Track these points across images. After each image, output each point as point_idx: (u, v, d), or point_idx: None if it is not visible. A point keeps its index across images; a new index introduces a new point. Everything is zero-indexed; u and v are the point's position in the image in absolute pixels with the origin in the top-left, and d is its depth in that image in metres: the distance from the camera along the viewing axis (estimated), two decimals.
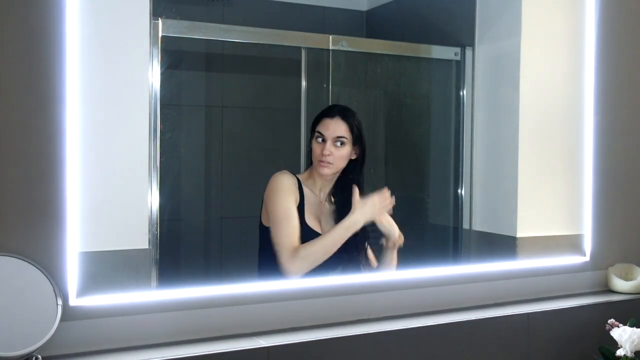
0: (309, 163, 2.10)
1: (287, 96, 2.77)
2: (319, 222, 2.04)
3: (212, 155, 2.75)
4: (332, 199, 2.08)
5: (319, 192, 2.06)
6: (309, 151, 2.09)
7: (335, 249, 1.92)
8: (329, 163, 1.99)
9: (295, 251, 1.88)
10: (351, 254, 2.01)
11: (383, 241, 2.06)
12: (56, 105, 1.48)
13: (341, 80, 2.68)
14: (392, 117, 2.89)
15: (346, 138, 2.00)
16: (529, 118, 2.21)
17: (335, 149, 1.99)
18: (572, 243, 2.27)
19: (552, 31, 2.23)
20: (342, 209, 2.04)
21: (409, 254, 2.73)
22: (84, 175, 1.52)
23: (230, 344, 1.61)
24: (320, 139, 2.00)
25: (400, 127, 2.90)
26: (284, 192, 1.95)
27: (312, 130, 2.05)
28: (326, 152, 1.98)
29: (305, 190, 2.01)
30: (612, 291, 2.28)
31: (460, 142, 2.51)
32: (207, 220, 2.74)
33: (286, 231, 1.91)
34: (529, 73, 2.20)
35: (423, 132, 2.83)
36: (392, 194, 2.08)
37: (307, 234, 1.96)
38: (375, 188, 2.89)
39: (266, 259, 1.97)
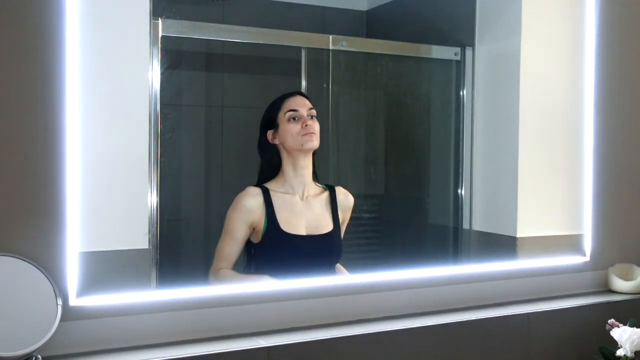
0: (273, 172, 1.99)
1: None
2: (304, 222, 1.98)
3: (212, 155, 2.75)
4: (320, 190, 2.04)
5: (298, 190, 1.99)
6: (273, 154, 1.98)
7: None
8: (313, 133, 1.95)
9: (218, 270, 1.91)
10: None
11: None
12: (56, 105, 1.48)
13: (341, 80, 2.68)
14: (392, 117, 2.89)
15: (314, 111, 2.00)
16: (529, 118, 2.21)
17: (312, 121, 1.97)
18: (572, 243, 2.27)
19: (552, 31, 2.23)
20: (332, 192, 2.04)
21: (409, 254, 2.73)
22: (84, 175, 1.52)
23: (230, 344, 1.61)
24: (294, 118, 1.96)
25: (400, 127, 2.90)
26: (237, 214, 1.92)
27: (275, 121, 1.98)
28: (308, 122, 1.95)
29: (277, 198, 1.95)
30: (612, 291, 2.28)
31: (460, 142, 2.51)
32: (207, 220, 2.73)
33: (224, 248, 1.92)
34: (529, 73, 2.20)
35: (423, 132, 2.83)
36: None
37: (287, 240, 1.93)
38: (374, 189, 2.89)
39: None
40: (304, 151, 1.96)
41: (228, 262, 1.93)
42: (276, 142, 1.99)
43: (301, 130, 1.94)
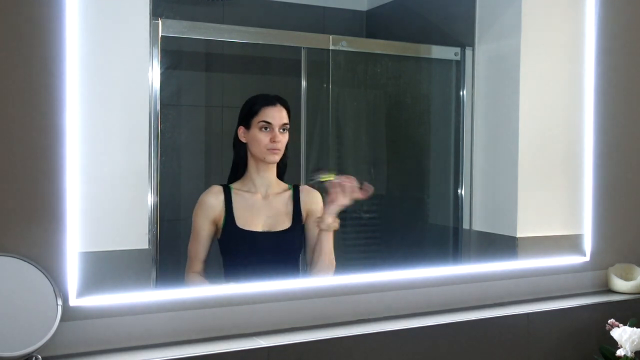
0: (240, 170, 2.04)
1: (287, 96, 2.76)
2: (262, 219, 2.02)
3: (212, 155, 2.75)
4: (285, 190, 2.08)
5: (260, 188, 2.04)
6: (241, 152, 2.03)
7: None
8: (279, 150, 2.02)
9: (189, 273, 1.97)
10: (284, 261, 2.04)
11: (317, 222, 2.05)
12: (56, 105, 1.49)
13: (341, 80, 2.68)
14: (392, 117, 2.89)
15: (288, 124, 2.04)
16: (529, 118, 2.21)
17: (282, 135, 2.02)
18: (572, 243, 2.27)
19: (552, 31, 2.23)
20: (296, 191, 2.08)
21: (409, 254, 2.73)
22: (84, 175, 1.52)
23: (230, 344, 1.61)
24: (265, 128, 2.00)
25: (400, 127, 2.90)
26: (200, 211, 1.99)
27: (248, 122, 2.02)
28: (277, 138, 2.00)
29: (237, 196, 2.01)
30: (612, 291, 2.28)
31: (460, 142, 2.51)
32: None
33: (191, 247, 1.99)
34: (529, 73, 2.20)
35: (423, 132, 2.83)
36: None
37: (242, 237, 1.98)
38: (374, 189, 2.89)
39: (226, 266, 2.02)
40: (265, 162, 2.02)
41: (197, 262, 1.98)
42: (244, 141, 2.03)
43: (268, 144, 2.00)
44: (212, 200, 2.00)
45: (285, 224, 2.03)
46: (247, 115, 2.03)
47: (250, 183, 2.04)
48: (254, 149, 2.02)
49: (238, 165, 2.06)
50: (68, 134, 1.50)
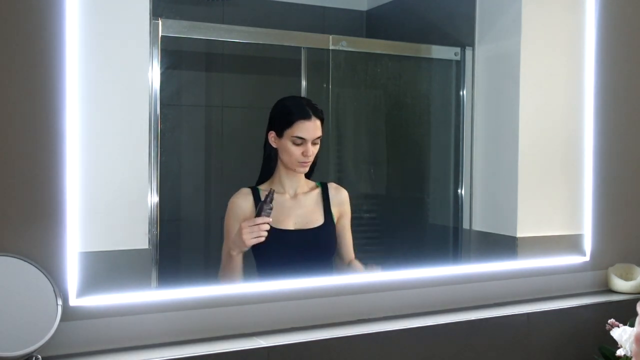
0: (269, 170, 2.04)
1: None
2: (292, 218, 2.02)
3: (212, 155, 2.75)
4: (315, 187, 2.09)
5: (289, 189, 2.03)
6: (271, 154, 2.02)
7: (228, 271, 1.91)
8: (308, 163, 2.01)
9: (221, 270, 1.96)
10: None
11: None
12: (56, 105, 1.49)
13: (341, 80, 2.68)
14: (392, 117, 2.89)
15: (321, 136, 2.02)
16: (529, 118, 2.21)
17: (314, 147, 2.00)
18: (572, 243, 2.27)
19: (552, 31, 2.23)
20: (324, 188, 2.08)
21: (409, 254, 2.73)
22: (84, 175, 1.52)
23: (230, 344, 1.61)
24: (299, 142, 1.97)
25: (400, 127, 2.90)
26: (230, 213, 1.99)
27: (280, 131, 1.99)
28: (309, 153, 1.98)
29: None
30: (612, 291, 2.28)
31: (460, 142, 2.51)
32: (207, 220, 2.74)
33: (224, 247, 1.97)
34: (529, 73, 2.20)
35: (423, 132, 2.83)
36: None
37: (275, 236, 1.95)
38: (374, 189, 2.89)
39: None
40: (292, 173, 2.03)
41: None
42: (275, 146, 2.02)
43: (299, 157, 1.98)
44: (243, 202, 1.98)
45: (317, 221, 2.03)
46: (280, 124, 1.99)
47: (278, 184, 2.03)
48: (284, 158, 2.00)
49: (268, 167, 2.05)
50: (68, 134, 1.50)
